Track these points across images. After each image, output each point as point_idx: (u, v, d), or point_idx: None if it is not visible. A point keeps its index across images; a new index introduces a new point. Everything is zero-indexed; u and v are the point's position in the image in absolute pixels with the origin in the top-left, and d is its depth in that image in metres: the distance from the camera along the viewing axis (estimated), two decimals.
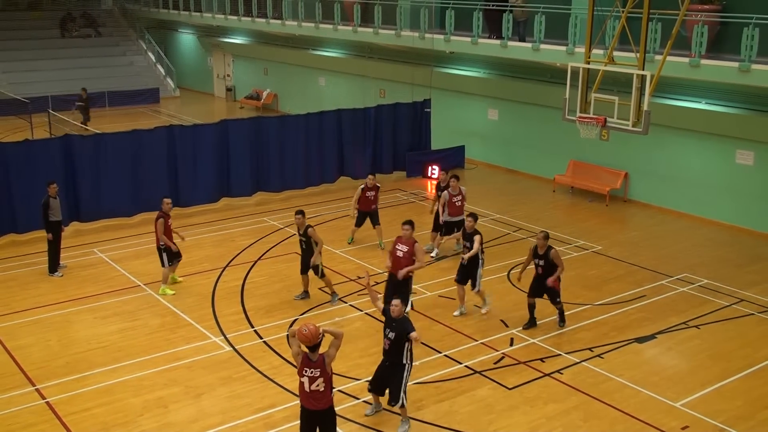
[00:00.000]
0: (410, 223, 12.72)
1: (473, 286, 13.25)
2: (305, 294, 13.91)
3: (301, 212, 13.52)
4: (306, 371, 8.41)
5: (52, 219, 14.70)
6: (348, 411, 10.29)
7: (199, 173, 18.98)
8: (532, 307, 12.83)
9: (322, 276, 13.52)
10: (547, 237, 12.56)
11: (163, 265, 14.07)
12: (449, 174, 16.43)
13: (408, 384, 9.84)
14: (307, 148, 20.86)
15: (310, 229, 13.32)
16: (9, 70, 33.63)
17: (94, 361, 11.65)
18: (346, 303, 13.68)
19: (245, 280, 14.89)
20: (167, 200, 14.22)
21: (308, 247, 13.38)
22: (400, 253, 12.41)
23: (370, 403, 10.36)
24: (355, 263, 15.72)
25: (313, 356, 8.42)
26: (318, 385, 8.42)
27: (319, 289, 14.23)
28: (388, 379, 9.73)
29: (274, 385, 10.97)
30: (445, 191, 15.83)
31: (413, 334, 9.48)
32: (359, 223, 16.73)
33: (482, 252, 13.16)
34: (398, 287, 12.23)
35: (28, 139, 18.34)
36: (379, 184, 16.82)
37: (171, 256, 14.05)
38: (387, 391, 9.84)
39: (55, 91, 32.67)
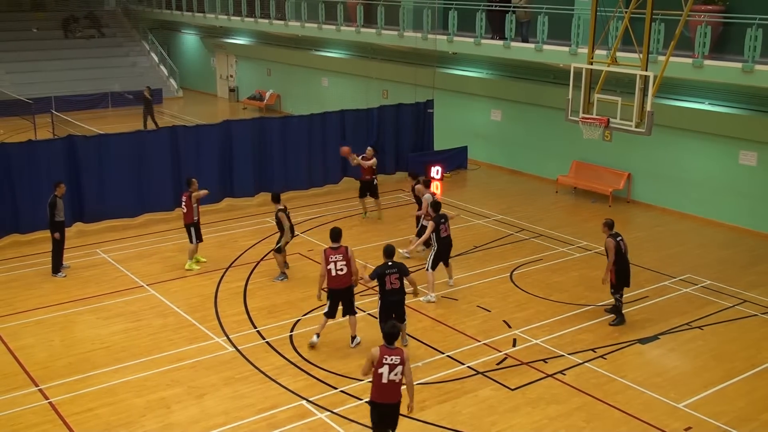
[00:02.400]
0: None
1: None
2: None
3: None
4: (386, 359, 8.51)
5: (57, 219, 14.74)
6: (351, 411, 10.32)
7: (202, 174, 18.91)
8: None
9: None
10: (605, 224, 12.85)
11: (191, 242, 15.27)
12: (420, 179, 16.64)
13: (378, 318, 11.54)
14: (310, 149, 20.87)
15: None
16: (12, 71, 33.69)
17: (97, 361, 11.67)
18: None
19: (248, 280, 14.91)
20: (195, 180, 15.39)
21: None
22: None
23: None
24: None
25: (392, 345, 8.59)
26: (397, 374, 8.53)
27: (322, 289, 14.26)
28: None
29: (277, 386, 10.98)
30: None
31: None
32: (362, 195, 18.58)
33: (432, 238, 14.01)
34: None
35: (32, 139, 18.37)
36: (375, 159, 18.48)
37: (198, 233, 15.28)
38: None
39: (59, 92, 32.76)
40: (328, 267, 11.66)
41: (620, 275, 12.79)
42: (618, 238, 12.72)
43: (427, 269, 14.02)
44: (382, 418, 8.85)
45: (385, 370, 8.53)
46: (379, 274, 11.34)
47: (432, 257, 14.02)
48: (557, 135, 21.60)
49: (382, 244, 15.35)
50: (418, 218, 16.15)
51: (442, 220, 14.01)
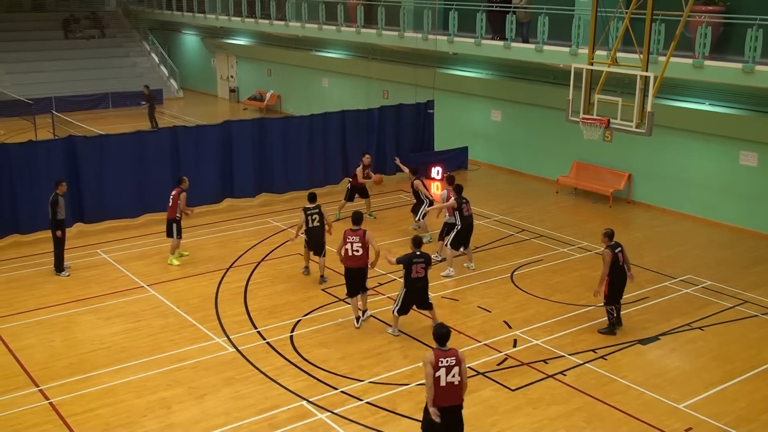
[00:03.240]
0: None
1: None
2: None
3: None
4: (442, 361, 8.39)
5: (58, 217, 14.76)
6: (351, 412, 10.31)
7: (203, 174, 18.97)
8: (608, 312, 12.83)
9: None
10: (605, 234, 12.60)
11: (172, 237, 15.51)
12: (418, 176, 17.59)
13: (397, 304, 12.39)
14: (310, 150, 20.87)
15: None
16: (13, 71, 33.71)
17: (97, 361, 11.67)
18: (349, 304, 13.65)
19: (248, 281, 14.91)
20: (186, 179, 15.92)
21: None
22: None
23: (374, 405, 10.46)
24: None
25: (444, 347, 8.48)
26: (455, 376, 8.41)
27: (323, 290, 14.28)
28: None
29: (278, 386, 10.98)
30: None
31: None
32: (350, 198, 18.59)
33: (456, 217, 14.87)
34: None
35: (32, 140, 18.38)
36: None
37: (180, 229, 15.57)
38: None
39: (59, 92, 32.77)
40: (345, 246, 12.56)
41: (613, 287, 12.53)
42: (616, 250, 12.42)
43: (446, 245, 14.94)
44: (442, 423, 8.57)
45: (442, 373, 8.36)
46: (406, 261, 12.11)
47: (453, 235, 14.82)
48: (557, 135, 21.60)
49: (383, 243, 15.47)
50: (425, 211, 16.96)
51: (464, 201, 14.92)
